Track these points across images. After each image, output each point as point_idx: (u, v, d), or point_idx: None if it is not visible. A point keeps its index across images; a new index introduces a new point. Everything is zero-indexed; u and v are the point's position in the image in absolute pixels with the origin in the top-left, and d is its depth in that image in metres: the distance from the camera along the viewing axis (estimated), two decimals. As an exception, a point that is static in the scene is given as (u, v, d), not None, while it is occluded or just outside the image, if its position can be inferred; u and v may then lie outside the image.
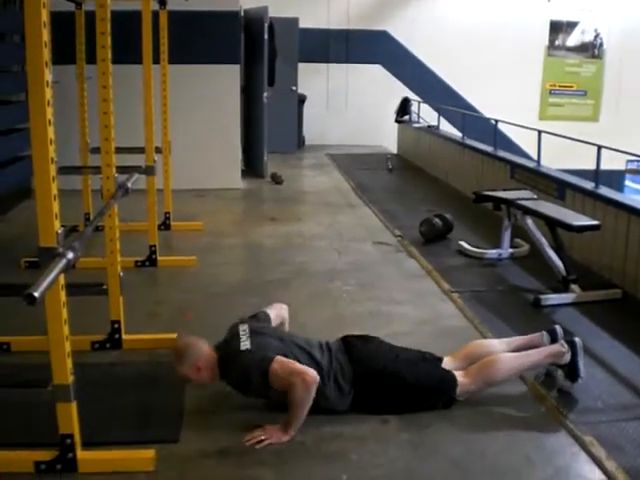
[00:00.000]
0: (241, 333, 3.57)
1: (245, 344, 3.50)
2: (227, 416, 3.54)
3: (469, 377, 3.67)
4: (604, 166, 6.46)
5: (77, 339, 3.04)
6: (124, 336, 4.29)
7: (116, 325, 4.26)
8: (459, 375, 3.67)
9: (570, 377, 3.83)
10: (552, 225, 5.58)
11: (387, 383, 3.61)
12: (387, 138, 13.98)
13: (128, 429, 3.39)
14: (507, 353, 3.83)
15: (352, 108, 14.67)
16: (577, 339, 3.86)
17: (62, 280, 2.68)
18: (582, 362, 3.83)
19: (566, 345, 3.83)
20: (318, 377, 3.37)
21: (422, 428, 3.49)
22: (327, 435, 3.39)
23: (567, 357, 3.81)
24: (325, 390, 3.49)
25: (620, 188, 14.05)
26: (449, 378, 3.65)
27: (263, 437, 3.30)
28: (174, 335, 4.35)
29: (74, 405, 2.86)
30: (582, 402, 3.77)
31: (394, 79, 14.73)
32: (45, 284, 2.36)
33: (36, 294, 2.26)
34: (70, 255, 2.60)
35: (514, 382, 3.96)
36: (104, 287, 4.22)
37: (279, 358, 3.41)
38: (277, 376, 3.36)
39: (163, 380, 3.83)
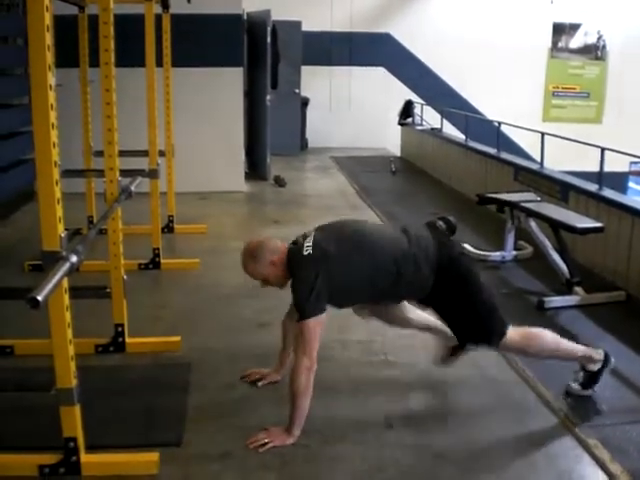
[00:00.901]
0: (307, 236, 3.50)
1: (308, 248, 3.39)
2: (230, 419, 3.53)
3: (515, 333, 3.62)
4: (607, 168, 6.46)
5: (81, 342, 3.04)
6: (127, 339, 4.29)
7: (120, 328, 4.26)
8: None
9: (585, 384, 3.81)
10: (555, 227, 5.58)
11: (466, 286, 3.58)
12: (390, 141, 13.98)
13: (131, 432, 3.39)
14: (551, 333, 3.76)
15: (355, 111, 14.67)
16: (612, 358, 3.81)
17: (65, 283, 2.68)
18: (603, 377, 3.80)
19: (602, 354, 3.79)
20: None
21: (426, 432, 3.48)
22: (331, 439, 3.38)
23: (596, 366, 3.78)
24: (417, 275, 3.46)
25: (624, 190, 14.02)
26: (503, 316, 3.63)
27: (267, 440, 3.29)
28: (177, 338, 4.36)
29: (77, 408, 2.86)
30: (586, 405, 3.76)
31: (397, 81, 14.73)
32: (48, 287, 2.36)
33: (39, 297, 2.26)
34: (73, 258, 2.60)
35: (518, 384, 3.96)
36: (107, 290, 4.22)
37: (318, 321, 3.29)
38: (302, 332, 3.28)
39: (166, 383, 3.82)
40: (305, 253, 3.35)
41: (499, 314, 3.58)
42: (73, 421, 2.86)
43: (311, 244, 3.39)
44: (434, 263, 3.49)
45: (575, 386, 3.83)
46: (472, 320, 3.57)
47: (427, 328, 4.04)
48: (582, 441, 3.38)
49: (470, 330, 3.61)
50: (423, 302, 3.70)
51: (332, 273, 3.31)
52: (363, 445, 3.34)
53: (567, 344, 3.77)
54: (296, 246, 3.47)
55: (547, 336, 3.71)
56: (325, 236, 3.47)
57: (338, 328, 4.76)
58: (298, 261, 3.38)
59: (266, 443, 3.27)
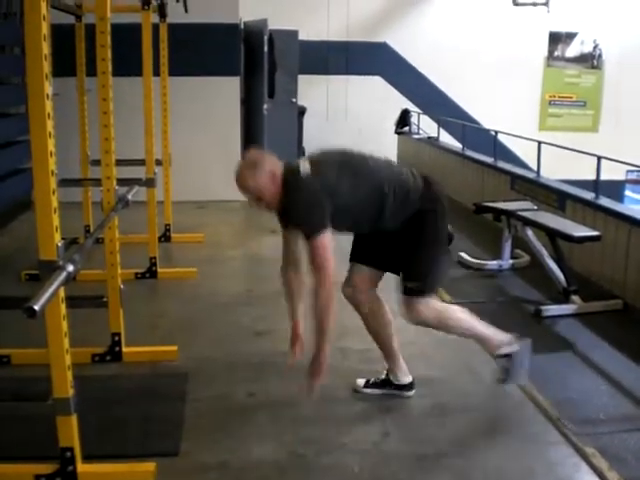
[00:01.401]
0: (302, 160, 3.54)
1: (305, 168, 3.42)
2: (227, 429, 3.53)
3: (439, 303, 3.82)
4: (604, 176, 6.47)
5: (77, 351, 3.03)
6: (124, 348, 4.28)
7: (116, 337, 4.26)
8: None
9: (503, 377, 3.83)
10: (552, 236, 5.59)
11: (435, 224, 3.70)
12: (387, 149, 13.95)
13: (128, 442, 3.38)
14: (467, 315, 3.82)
15: (352, 119, 14.67)
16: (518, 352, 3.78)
17: (62, 293, 2.67)
18: (516, 374, 3.80)
19: (513, 346, 3.78)
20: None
21: (423, 441, 3.47)
22: (328, 447, 3.37)
23: (502, 350, 3.77)
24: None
25: (620, 198, 14.05)
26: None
27: (313, 383, 3.33)
28: (174, 347, 4.35)
29: (74, 418, 2.85)
30: (584, 413, 3.76)
31: (394, 90, 14.74)
32: (45, 297, 2.35)
33: (36, 307, 2.25)
34: (70, 268, 2.59)
35: (515, 392, 3.96)
36: (104, 300, 4.21)
37: (327, 235, 3.40)
38: (314, 249, 3.38)
39: (163, 392, 3.82)
40: (303, 173, 3.39)
41: (441, 272, 3.73)
42: (70, 431, 2.85)
43: (308, 164, 3.44)
44: (420, 192, 3.65)
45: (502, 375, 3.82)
46: (423, 258, 3.66)
47: (388, 345, 3.98)
48: (580, 450, 3.37)
49: (417, 267, 3.66)
50: (387, 240, 3.70)
51: (329, 191, 3.37)
52: (361, 454, 3.33)
53: (480, 328, 3.81)
54: (292, 166, 3.49)
55: (462, 314, 3.82)
56: (320, 157, 3.58)
57: (338, 336, 4.75)
58: (297, 180, 3.39)
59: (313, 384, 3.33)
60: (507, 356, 3.77)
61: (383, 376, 3.95)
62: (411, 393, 3.89)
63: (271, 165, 3.41)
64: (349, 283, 3.84)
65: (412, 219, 3.58)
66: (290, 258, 3.65)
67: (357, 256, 3.84)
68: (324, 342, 3.40)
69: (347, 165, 3.53)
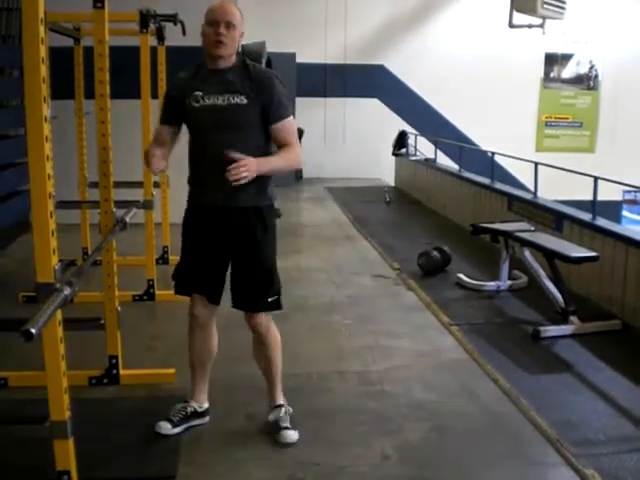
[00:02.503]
0: None
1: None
2: (226, 452, 3.51)
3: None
4: (601, 197, 6.49)
5: (74, 374, 3.03)
6: (122, 371, 4.27)
7: (113, 360, 4.24)
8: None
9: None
10: (550, 257, 5.59)
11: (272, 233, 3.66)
12: (385, 171, 14.05)
13: (125, 465, 3.37)
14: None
15: (349, 141, 14.75)
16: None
17: (59, 315, 2.67)
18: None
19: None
20: None
21: (422, 464, 3.46)
22: (327, 471, 3.35)
23: (281, 399, 3.76)
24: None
25: (618, 219, 14.09)
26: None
27: (244, 172, 3.20)
28: (172, 370, 4.33)
29: (71, 441, 2.83)
30: (583, 434, 3.74)
31: (391, 112, 14.82)
32: (42, 320, 2.34)
33: (33, 330, 2.25)
34: (67, 291, 2.59)
35: (514, 414, 3.95)
36: (101, 322, 4.20)
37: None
38: (286, 129, 3.45)
39: (161, 415, 3.79)
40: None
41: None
42: (66, 454, 2.84)
43: None
44: None
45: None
46: (271, 271, 3.64)
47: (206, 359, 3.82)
48: (579, 471, 3.35)
49: (270, 281, 3.62)
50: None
51: None
52: (360, 478, 3.32)
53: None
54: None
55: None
56: None
57: (335, 359, 4.75)
58: (270, 71, 3.57)
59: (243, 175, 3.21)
60: (280, 407, 3.73)
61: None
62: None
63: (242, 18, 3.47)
64: None
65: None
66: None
67: None
68: (271, 164, 3.41)
69: None
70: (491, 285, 6.41)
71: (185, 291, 3.68)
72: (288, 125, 3.47)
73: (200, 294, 3.63)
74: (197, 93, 3.40)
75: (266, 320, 3.64)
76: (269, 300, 3.59)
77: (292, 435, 3.61)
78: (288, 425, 3.65)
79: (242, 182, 3.20)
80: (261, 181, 3.41)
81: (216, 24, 3.34)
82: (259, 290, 3.57)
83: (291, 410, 3.74)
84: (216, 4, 3.44)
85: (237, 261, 3.56)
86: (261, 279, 3.57)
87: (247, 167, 3.19)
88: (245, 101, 3.36)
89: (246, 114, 3.39)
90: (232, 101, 3.37)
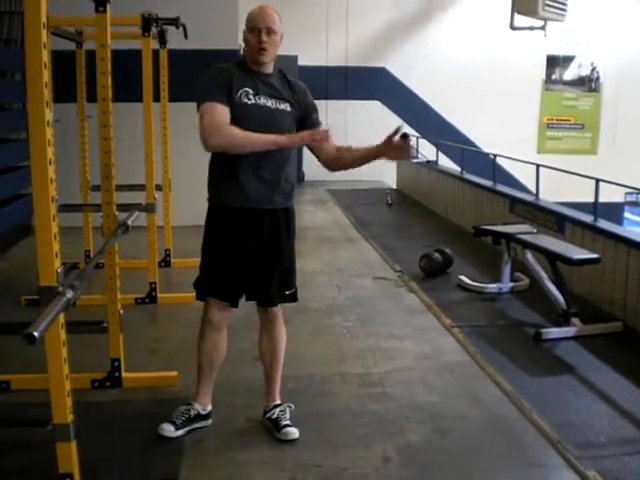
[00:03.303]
0: None
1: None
2: (228, 454, 3.51)
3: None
4: (603, 199, 6.49)
5: (77, 377, 3.03)
6: (124, 374, 4.27)
7: (116, 363, 4.25)
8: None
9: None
10: (552, 259, 5.60)
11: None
12: (386, 173, 14.02)
13: (128, 468, 3.37)
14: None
15: (351, 143, 14.72)
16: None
17: (62, 319, 2.67)
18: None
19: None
20: None
21: (424, 467, 3.46)
22: (329, 473, 3.36)
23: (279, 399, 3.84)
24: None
25: (619, 220, 14.09)
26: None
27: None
28: (174, 373, 4.34)
29: (74, 444, 2.84)
30: (585, 437, 3.74)
31: (392, 115, 14.83)
32: (45, 323, 2.35)
33: (36, 333, 2.25)
34: (70, 294, 2.60)
35: (516, 416, 3.95)
36: (104, 325, 4.20)
37: None
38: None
39: (163, 418, 3.80)
40: None
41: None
42: (69, 457, 2.84)
43: None
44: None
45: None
46: (291, 267, 3.74)
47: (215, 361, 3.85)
48: (581, 473, 3.35)
49: (290, 277, 3.72)
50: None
51: None
52: (362, 479, 3.32)
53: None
54: None
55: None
56: None
57: (337, 361, 4.76)
58: (303, 84, 3.66)
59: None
60: (280, 405, 3.77)
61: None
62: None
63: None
64: None
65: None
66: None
67: None
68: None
69: None
70: (493, 287, 6.41)
71: (208, 296, 3.69)
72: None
73: (221, 299, 3.64)
74: (248, 90, 3.41)
75: (280, 313, 3.76)
76: (287, 293, 3.69)
77: (294, 432, 3.62)
78: (289, 422, 3.67)
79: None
80: (291, 184, 3.60)
81: (257, 31, 3.40)
82: (279, 286, 3.63)
83: (292, 407, 3.76)
84: (255, 10, 3.48)
85: (262, 261, 3.57)
86: (282, 276, 3.63)
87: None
88: (289, 109, 3.48)
89: (289, 120, 3.50)
90: (280, 106, 3.46)
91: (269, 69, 3.51)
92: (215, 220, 3.59)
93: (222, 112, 3.36)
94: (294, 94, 3.52)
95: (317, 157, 3.72)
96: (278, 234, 3.56)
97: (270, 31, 3.40)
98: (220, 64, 3.58)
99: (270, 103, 3.44)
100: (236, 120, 3.36)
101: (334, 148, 3.70)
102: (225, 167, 3.52)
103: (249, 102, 3.41)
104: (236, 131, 3.31)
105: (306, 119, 3.55)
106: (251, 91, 3.41)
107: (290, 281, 3.69)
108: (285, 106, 3.47)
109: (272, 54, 3.46)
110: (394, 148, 3.44)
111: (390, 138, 3.40)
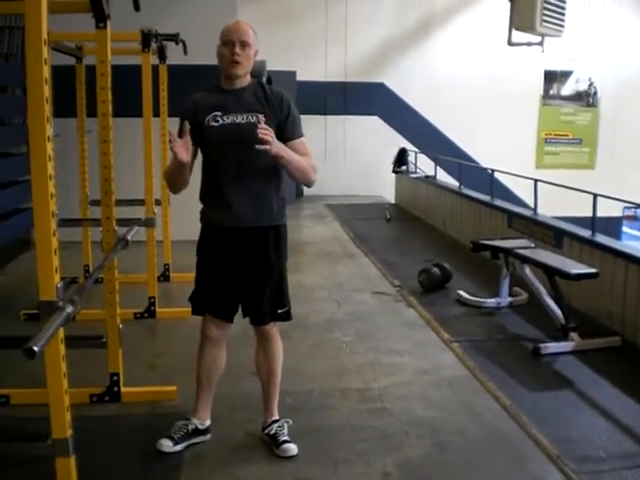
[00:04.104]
0: None
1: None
2: (226, 469, 3.51)
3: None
4: (601, 213, 6.51)
5: (76, 392, 3.03)
6: (123, 389, 4.27)
7: (115, 377, 4.25)
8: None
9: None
10: (550, 273, 5.60)
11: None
12: (385, 188, 14.08)
13: (127, 483, 3.37)
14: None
15: (350, 159, 14.79)
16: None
17: (61, 333, 2.68)
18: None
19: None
20: None
21: (423, 480, 3.46)
22: (328, 488, 3.36)
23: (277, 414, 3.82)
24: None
25: (617, 235, 14.10)
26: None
27: (269, 135, 3.27)
28: (173, 387, 4.34)
29: (73, 459, 2.84)
30: (584, 451, 3.74)
31: (391, 130, 14.89)
32: (45, 338, 2.36)
33: (36, 348, 2.26)
34: (70, 309, 2.60)
35: (515, 431, 3.95)
36: (103, 340, 4.21)
37: None
38: (303, 145, 3.53)
39: (162, 433, 3.79)
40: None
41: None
42: (68, 472, 2.84)
43: None
44: None
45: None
46: (282, 286, 3.70)
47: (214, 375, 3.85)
48: (580, 488, 3.36)
49: (281, 295, 3.69)
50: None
51: None
52: (360, 494, 3.32)
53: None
54: None
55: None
56: None
57: (336, 376, 4.76)
58: (284, 92, 3.59)
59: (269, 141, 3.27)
60: (278, 421, 3.76)
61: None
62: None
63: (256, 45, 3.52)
64: None
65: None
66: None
67: None
68: (292, 156, 3.45)
69: None
70: (491, 302, 6.42)
71: (204, 312, 3.71)
72: (304, 142, 3.57)
73: (216, 317, 3.65)
74: (216, 113, 3.44)
75: (275, 330, 3.73)
76: (279, 312, 3.66)
77: (292, 449, 3.62)
78: (287, 439, 3.66)
79: (266, 147, 3.26)
80: (281, 201, 3.57)
81: (231, 44, 3.41)
82: (271, 304, 3.62)
83: (290, 422, 3.75)
84: (230, 24, 3.51)
85: (252, 278, 3.57)
86: (273, 294, 3.62)
87: (272, 136, 3.29)
88: (263, 120, 3.41)
89: None
90: (251, 120, 3.42)
91: (243, 83, 3.50)
92: (205, 239, 3.66)
93: (174, 156, 3.45)
94: (269, 103, 3.49)
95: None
96: (266, 251, 3.55)
97: (244, 44, 3.42)
98: (193, 95, 3.61)
99: (241, 119, 3.44)
100: (208, 145, 3.47)
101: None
102: (211, 186, 3.57)
103: (216, 124, 3.45)
104: (166, 170, 3.61)
105: (280, 128, 3.48)
106: (219, 113, 3.44)
107: (282, 299, 3.67)
108: (259, 117, 3.42)
109: (246, 67, 3.47)
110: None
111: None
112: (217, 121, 3.43)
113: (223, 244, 3.54)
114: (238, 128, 3.42)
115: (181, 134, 3.31)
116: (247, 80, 3.52)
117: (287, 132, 3.50)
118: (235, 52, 3.40)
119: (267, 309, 3.62)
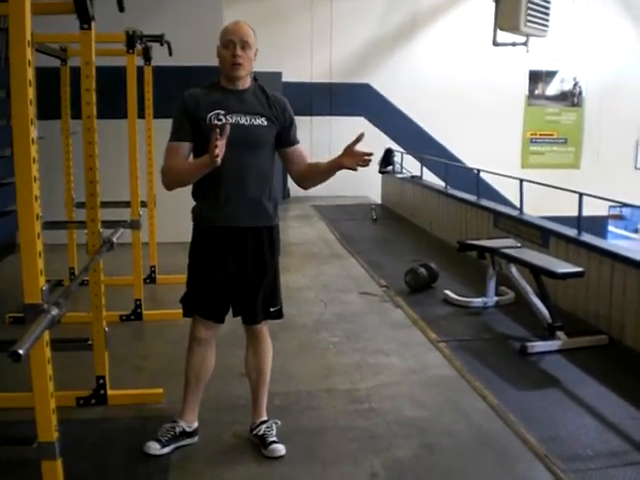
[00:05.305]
0: None
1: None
2: (214, 472, 3.50)
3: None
4: (587, 212, 6.54)
5: (62, 395, 3.01)
6: (109, 391, 4.25)
7: (101, 380, 4.22)
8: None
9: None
10: (536, 273, 5.62)
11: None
12: (371, 189, 14.07)
13: (114, 486, 3.35)
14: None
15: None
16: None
17: (47, 336, 2.66)
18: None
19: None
20: None
21: (411, 480, 3.46)
22: (316, 489, 3.35)
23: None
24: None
25: (603, 234, 14.18)
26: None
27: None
28: (160, 390, 4.32)
29: (59, 462, 2.82)
30: (572, 450, 3.75)
31: (377, 131, 14.88)
32: (30, 341, 2.34)
33: (21, 351, 2.24)
34: (55, 311, 2.59)
35: (503, 430, 3.95)
36: (89, 342, 4.19)
37: None
38: (305, 150, 3.66)
39: (149, 435, 3.78)
40: None
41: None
42: (55, 475, 2.82)
43: None
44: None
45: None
46: (275, 285, 3.71)
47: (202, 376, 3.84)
48: (568, 487, 3.36)
49: (274, 294, 3.70)
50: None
51: None
52: (348, 495, 3.32)
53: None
54: None
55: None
56: None
57: (324, 376, 4.75)
58: (284, 97, 3.63)
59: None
60: (266, 421, 3.76)
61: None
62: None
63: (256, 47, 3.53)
64: None
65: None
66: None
67: None
68: None
69: None
70: (478, 301, 6.43)
71: (196, 314, 3.68)
72: (303, 147, 3.67)
73: (207, 318, 3.63)
74: (219, 111, 3.41)
75: (265, 329, 3.74)
76: (271, 310, 3.66)
77: (280, 449, 3.61)
78: (276, 439, 3.65)
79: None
80: (274, 201, 3.58)
81: (232, 45, 3.41)
82: (263, 303, 3.62)
83: (279, 423, 3.75)
84: (230, 24, 3.51)
85: (246, 278, 3.56)
86: (266, 293, 3.62)
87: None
88: (266, 123, 3.45)
89: (266, 135, 3.48)
90: (254, 122, 3.43)
91: (244, 84, 3.51)
92: (198, 240, 3.59)
93: (176, 152, 3.43)
94: (272, 108, 3.50)
95: (289, 172, 3.71)
96: (261, 252, 3.55)
97: (245, 45, 3.41)
98: (190, 90, 3.60)
99: (244, 120, 3.42)
100: (209, 143, 3.29)
101: (306, 164, 3.66)
102: (207, 185, 3.49)
103: (219, 124, 3.37)
104: (176, 168, 3.41)
105: (282, 133, 3.53)
106: (222, 112, 3.41)
107: (275, 298, 3.68)
108: (261, 121, 3.44)
109: (247, 69, 3.46)
110: (351, 155, 3.41)
111: (350, 146, 3.36)
112: (220, 120, 3.39)
113: (218, 244, 3.51)
114: (242, 129, 3.40)
115: (222, 135, 3.16)
116: (248, 81, 3.53)
117: (290, 138, 3.57)
118: (236, 54, 3.40)
119: (260, 308, 3.62)
